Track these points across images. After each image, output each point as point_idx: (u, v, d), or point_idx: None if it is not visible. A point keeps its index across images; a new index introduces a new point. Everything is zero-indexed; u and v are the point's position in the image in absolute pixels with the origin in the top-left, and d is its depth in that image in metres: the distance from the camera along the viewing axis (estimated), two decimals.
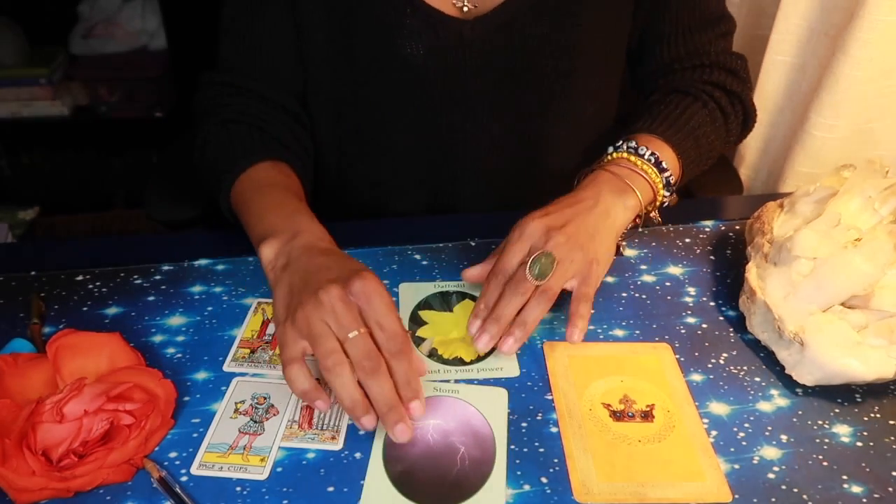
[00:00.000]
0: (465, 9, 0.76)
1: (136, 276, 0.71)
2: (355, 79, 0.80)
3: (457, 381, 0.60)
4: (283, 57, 0.80)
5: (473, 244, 0.76)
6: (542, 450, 0.55)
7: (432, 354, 0.63)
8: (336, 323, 0.54)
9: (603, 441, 0.56)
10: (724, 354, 0.63)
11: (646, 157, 0.72)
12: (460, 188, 0.85)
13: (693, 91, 0.81)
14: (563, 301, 0.64)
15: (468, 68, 0.78)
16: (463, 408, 0.58)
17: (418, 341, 0.64)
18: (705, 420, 0.57)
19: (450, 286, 0.71)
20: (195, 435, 0.56)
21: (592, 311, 0.64)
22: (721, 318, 0.67)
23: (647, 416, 0.58)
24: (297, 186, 0.73)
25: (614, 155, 0.74)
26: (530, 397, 0.59)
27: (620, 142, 0.74)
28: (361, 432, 0.56)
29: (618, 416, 0.58)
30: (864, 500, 0.51)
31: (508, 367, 0.62)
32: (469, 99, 0.80)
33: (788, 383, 0.61)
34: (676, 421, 0.57)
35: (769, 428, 0.57)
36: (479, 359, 0.63)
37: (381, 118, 0.82)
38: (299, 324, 0.54)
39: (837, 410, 0.58)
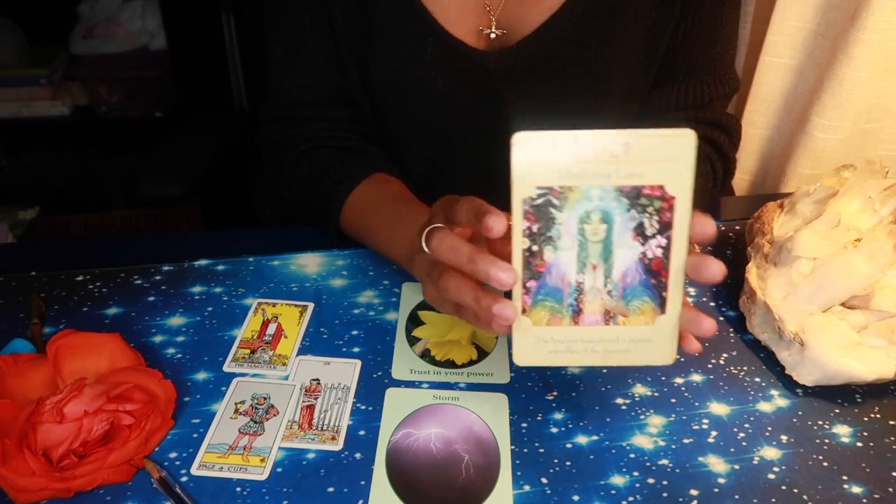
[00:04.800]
0: (493, 35, 0.74)
1: (136, 277, 0.71)
2: (379, 107, 0.79)
3: (457, 387, 0.60)
4: (333, 78, 0.79)
5: None
6: (542, 450, 0.55)
7: (425, 355, 0.63)
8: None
9: None
10: (724, 355, 0.63)
11: None
12: None
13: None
14: None
15: (491, 100, 0.76)
16: (464, 415, 0.57)
17: (413, 341, 0.65)
18: (705, 420, 0.57)
19: None
20: (195, 435, 0.56)
21: None
22: (721, 319, 0.67)
23: None
24: (398, 188, 0.73)
25: None
26: (530, 398, 0.59)
27: None
28: (361, 433, 0.56)
29: None
30: (864, 501, 0.51)
31: (499, 373, 0.61)
32: (492, 130, 0.78)
33: (788, 384, 0.60)
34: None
35: (769, 428, 0.57)
36: (471, 362, 0.62)
37: (402, 146, 0.81)
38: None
39: (837, 411, 0.58)
